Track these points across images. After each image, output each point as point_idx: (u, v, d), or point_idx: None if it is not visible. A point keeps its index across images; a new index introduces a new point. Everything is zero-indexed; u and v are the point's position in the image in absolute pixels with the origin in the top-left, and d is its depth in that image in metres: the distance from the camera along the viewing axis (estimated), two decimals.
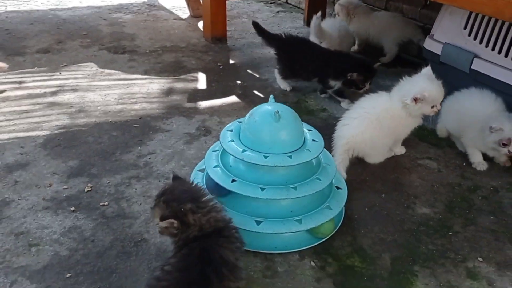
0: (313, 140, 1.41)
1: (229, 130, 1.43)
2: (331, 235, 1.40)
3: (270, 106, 1.38)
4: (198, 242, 1.08)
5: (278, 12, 3.48)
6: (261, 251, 1.34)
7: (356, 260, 1.33)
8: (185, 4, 3.44)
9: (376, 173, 1.72)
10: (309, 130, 1.46)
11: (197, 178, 1.50)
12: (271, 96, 1.43)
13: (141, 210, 1.51)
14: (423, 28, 2.58)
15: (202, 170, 1.55)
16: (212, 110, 2.12)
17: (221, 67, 2.57)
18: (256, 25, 2.27)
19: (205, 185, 1.44)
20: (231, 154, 1.36)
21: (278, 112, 1.32)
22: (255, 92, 2.31)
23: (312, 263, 1.31)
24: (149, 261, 1.32)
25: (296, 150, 1.35)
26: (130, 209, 1.52)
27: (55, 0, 3.39)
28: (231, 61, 2.65)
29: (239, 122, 1.46)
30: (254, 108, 1.40)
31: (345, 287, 1.24)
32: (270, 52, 2.35)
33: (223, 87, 2.35)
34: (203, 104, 2.18)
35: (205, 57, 2.67)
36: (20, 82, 2.26)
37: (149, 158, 1.77)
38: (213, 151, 1.49)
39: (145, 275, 1.25)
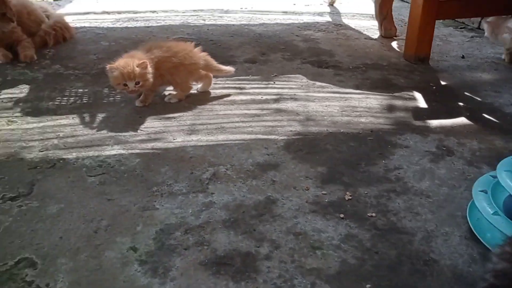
0: None
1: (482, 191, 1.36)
2: None
3: None
4: None
5: (472, 37, 3.27)
6: None
7: None
8: (370, 25, 3.38)
9: None
10: None
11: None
12: None
13: (414, 226, 1.40)
14: None
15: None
16: (445, 130, 1.98)
17: (433, 87, 2.42)
18: None
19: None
20: None
21: None
22: (485, 115, 2.12)
23: None
24: (449, 284, 1.18)
25: None
26: (401, 223, 1.41)
27: (246, 17, 3.52)
28: (442, 82, 2.49)
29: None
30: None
31: None
32: (482, 76, 2.16)
33: (445, 107, 2.20)
34: (432, 123, 2.04)
35: (413, 76, 2.54)
36: (241, 88, 2.31)
37: (399, 173, 1.66)
38: (479, 191, 1.39)
39: None
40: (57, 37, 2.76)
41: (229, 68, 2.27)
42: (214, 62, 2.21)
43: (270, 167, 1.67)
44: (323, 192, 1.55)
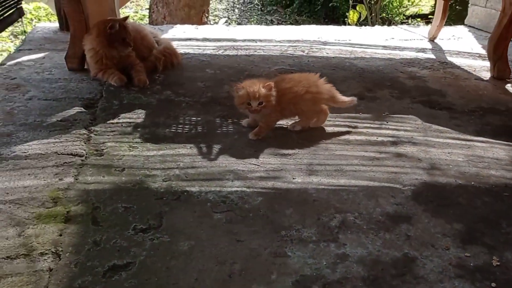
0: None
1: None
2: None
3: None
4: None
5: None
6: None
7: None
8: (478, 65, 3.20)
9: None
10: None
11: None
12: None
13: None
14: None
15: None
16: None
17: None
18: None
19: None
20: None
21: None
22: None
23: None
24: None
25: None
26: None
27: (345, 50, 3.46)
28: None
29: None
30: None
31: None
32: None
33: None
34: None
35: None
36: (353, 127, 2.22)
37: None
38: None
39: None
40: (166, 63, 2.82)
41: (352, 99, 2.20)
42: (338, 94, 2.16)
43: (402, 219, 1.56)
44: (466, 254, 1.41)
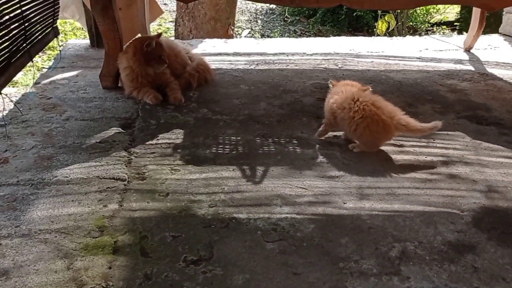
0: None
1: None
2: None
3: None
4: None
5: None
6: None
7: None
8: None
9: None
10: None
11: None
12: None
13: None
14: None
15: None
16: None
17: None
18: None
19: None
20: None
21: None
22: None
23: None
24: None
25: None
26: None
27: (379, 62, 3.37)
28: None
29: None
30: None
31: None
32: None
33: None
34: None
35: None
36: (400, 145, 2.13)
37: None
38: None
39: None
40: (200, 80, 2.78)
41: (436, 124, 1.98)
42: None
43: (466, 249, 1.47)
44: None
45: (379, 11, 5.33)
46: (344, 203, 1.70)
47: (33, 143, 2.02)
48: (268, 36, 6.58)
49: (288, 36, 6.64)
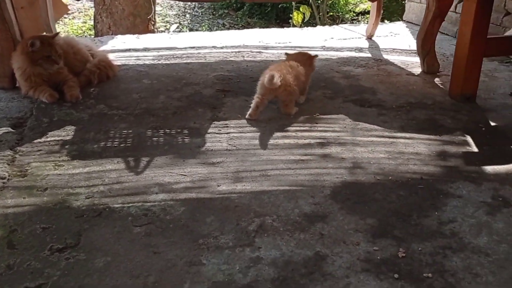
0: None
1: None
2: None
3: None
4: None
5: None
6: None
7: None
8: (412, 60, 3.32)
9: None
10: None
11: None
12: None
13: None
14: None
15: None
16: (499, 178, 1.89)
17: (483, 128, 2.33)
18: None
19: None
20: None
21: None
22: None
23: None
24: None
25: None
26: (460, 286, 1.33)
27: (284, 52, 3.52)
28: (492, 123, 2.40)
29: None
30: None
31: None
32: None
33: (498, 152, 2.11)
34: (486, 169, 1.95)
35: (460, 116, 2.46)
36: (285, 130, 2.27)
37: (453, 227, 1.59)
38: None
39: None
40: (101, 76, 2.81)
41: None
42: None
43: (318, 219, 1.62)
44: (375, 248, 1.48)
45: (293, 2, 5.50)
46: (218, 186, 1.81)
47: None
48: (196, 30, 6.62)
49: (216, 29, 6.71)
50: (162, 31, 6.08)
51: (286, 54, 2.67)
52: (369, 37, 3.88)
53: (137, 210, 1.66)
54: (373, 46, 3.71)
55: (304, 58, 2.59)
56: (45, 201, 1.69)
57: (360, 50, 3.60)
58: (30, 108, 2.44)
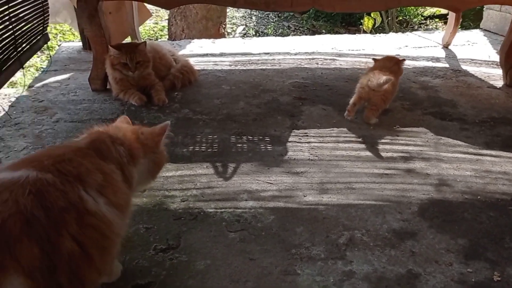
0: None
1: None
2: None
3: None
4: None
5: None
6: None
7: None
8: (492, 72, 3.22)
9: None
10: None
11: None
12: None
13: None
14: None
15: None
16: None
17: None
18: None
19: None
20: None
21: None
22: None
23: None
24: None
25: None
26: None
27: (359, 61, 3.52)
28: None
29: None
30: None
31: None
32: None
33: None
34: None
35: None
36: (365, 143, 2.29)
37: None
38: None
39: None
40: (184, 81, 2.94)
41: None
42: None
43: (407, 236, 1.64)
44: (468, 269, 1.48)
45: None
46: (305, 196, 1.87)
47: (24, 145, 2.20)
48: (262, 32, 6.72)
49: (282, 32, 6.78)
50: (228, 33, 6.23)
51: (374, 59, 2.69)
52: (446, 46, 3.79)
53: (229, 215, 1.74)
54: (450, 56, 3.63)
55: (391, 63, 2.59)
56: (145, 202, 1.81)
57: (437, 59, 3.53)
58: (122, 110, 2.60)
